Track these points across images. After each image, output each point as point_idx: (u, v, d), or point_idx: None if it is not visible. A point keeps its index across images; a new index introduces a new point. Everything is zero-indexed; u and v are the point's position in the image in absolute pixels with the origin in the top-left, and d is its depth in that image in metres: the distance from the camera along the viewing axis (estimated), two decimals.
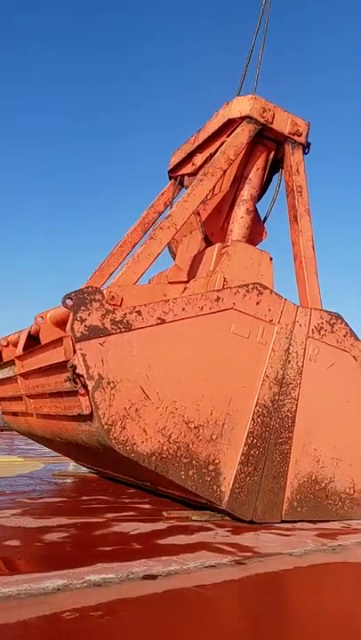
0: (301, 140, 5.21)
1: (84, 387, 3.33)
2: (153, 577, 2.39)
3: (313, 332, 4.20)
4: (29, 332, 4.84)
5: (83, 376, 3.30)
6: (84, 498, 4.52)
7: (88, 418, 3.44)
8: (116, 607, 2.00)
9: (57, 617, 1.87)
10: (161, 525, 3.53)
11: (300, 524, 3.99)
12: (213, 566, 2.64)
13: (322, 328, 4.26)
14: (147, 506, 4.29)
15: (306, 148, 5.27)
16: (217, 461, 3.70)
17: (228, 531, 3.52)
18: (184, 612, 2.07)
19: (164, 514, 3.91)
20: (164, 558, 2.69)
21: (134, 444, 3.40)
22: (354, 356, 4.39)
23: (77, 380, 3.34)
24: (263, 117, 4.94)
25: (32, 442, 6.97)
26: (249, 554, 2.94)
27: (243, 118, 4.91)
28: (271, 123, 5.00)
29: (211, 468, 3.67)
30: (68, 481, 5.60)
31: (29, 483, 5.24)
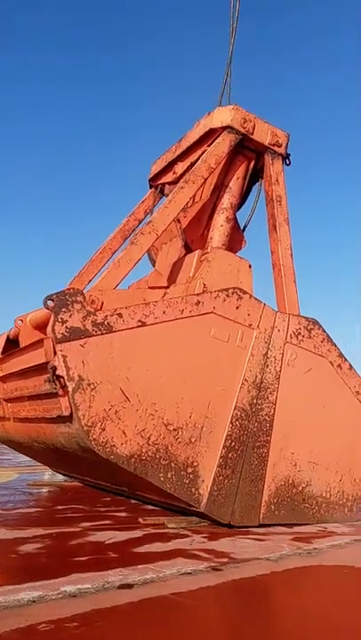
0: (281, 150, 5.31)
1: (64, 388, 3.33)
2: (129, 586, 2.39)
3: (291, 338, 4.26)
4: (8, 336, 4.83)
5: (63, 377, 3.30)
6: (60, 507, 4.48)
7: (68, 419, 3.44)
8: (91, 618, 2.00)
9: (32, 629, 1.86)
10: (137, 533, 3.52)
11: (275, 528, 4.01)
12: (190, 573, 2.64)
13: (300, 333, 4.32)
14: (123, 514, 4.28)
15: (285, 158, 5.37)
16: (196, 464, 3.72)
17: (205, 537, 3.53)
18: (160, 621, 2.07)
19: (141, 520, 3.90)
20: (140, 567, 2.68)
21: (114, 445, 3.41)
22: (330, 362, 4.46)
23: (57, 382, 3.35)
24: (244, 128, 5.03)
25: (6, 452, 6.90)
26: (225, 560, 2.95)
27: (224, 128, 5.00)
28: (252, 133, 5.09)
29: (189, 470, 3.69)
30: (44, 490, 5.55)
31: (3, 493, 5.18)
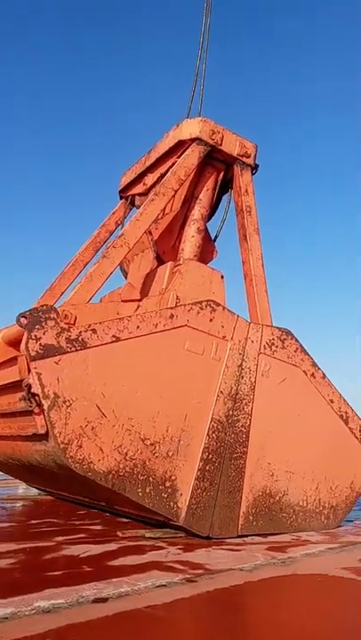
0: (250, 161, 5.36)
1: (40, 406, 3.30)
2: (103, 600, 2.36)
3: (265, 348, 4.30)
4: None
5: (38, 395, 3.27)
6: (34, 522, 4.42)
7: (43, 437, 3.40)
8: (65, 633, 1.97)
9: None
10: (112, 546, 3.48)
11: (250, 538, 4.03)
12: (165, 585, 2.63)
13: (273, 344, 4.36)
14: (98, 527, 4.24)
15: (254, 169, 5.43)
16: (173, 478, 3.72)
17: (180, 548, 3.52)
18: (135, 634, 2.05)
19: (119, 533, 3.88)
20: (114, 580, 2.66)
21: (91, 462, 3.39)
22: (304, 371, 4.51)
23: (32, 399, 3.31)
24: (213, 139, 5.07)
25: None
26: (200, 571, 2.94)
27: (193, 140, 5.03)
28: (220, 144, 5.14)
29: (167, 484, 3.69)
30: (18, 505, 5.48)
31: None
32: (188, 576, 2.82)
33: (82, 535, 3.84)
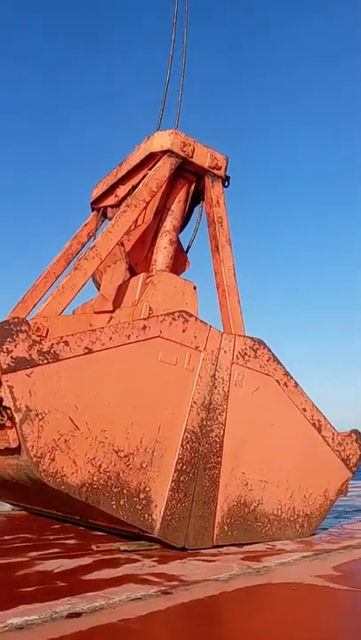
0: (221, 173, 5.41)
1: (11, 419, 3.26)
2: (77, 615, 2.34)
3: (237, 358, 4.32)
4: None
5: (10, 408, 3.23)
6: (6, 537, 4.35)
7: (16, 451, 3.36)
8: None
9: None
10: (86, 560, 3.45)
11: (226, 548, 4.02)
12: (140, 598, 2.62)
13: (246, 354, 4.39)
14: (72, 541, 4.19)
15: (225, 181, 5.48)
16: (148, 489, 3.70)
17: (155, 560, 3.51)
18: None
19: (93, 547, 3.85)
20: (89, 594, 2.64)
21: (64, 475, 3.36)
22: (277, 380, 4.54)
23: (4, 413, 3.28)
24: (184, 151, 5.11)
25: None
26: (175, 583, 2.94)
27: (164, 152, 5.06)
28: (191, 157, 5.18)
29: (142, 496, 3.67)
30: None
31: None
32: (163, 588, 2.81)
33: (56, 550, 3.80)
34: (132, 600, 2.58)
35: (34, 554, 3.63)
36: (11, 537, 4.36)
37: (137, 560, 3.50)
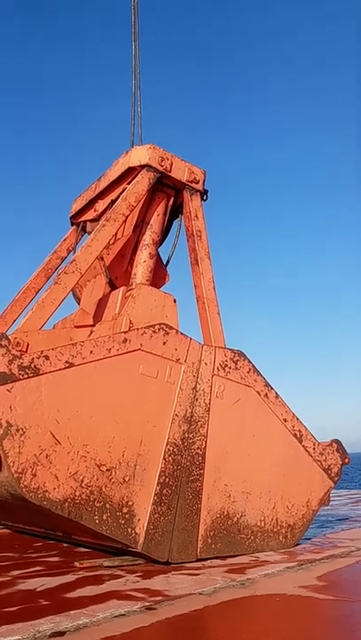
0: (199, 187, 5.46)
1: None
2: (61, 633, 2.32)
3: (218, 370, 4.34)
4: None
5: None
6: None
7: None
8: None
9: None
10: (70, 578, 3.42)
11: (209, 561, 4.02)
12: (123, 615, 2.61)
13: (226, 365, 4.41)
14: (55, 558, 4.15)
15: (203, 194, 5.53)
16: (131, 503, 3.69)
17: (139, 576, 3.49)
18: None
19: (77, 564, 3.81)
20: (72, 612, 2.62)
21: (46, 491, 3.33)
22: (257, 391, 4.57)
23: None
24: (162, 166, 5.15)
25: None
26: (159, 598, 2.93)
27: (142, 166, 5.10)
28: (170, 171, 5.22)
29: (125, 510, 3.66)
30: None
31: None
32: (147, 604, 2.80)
33: (38, 568, 3.76)
34: (116, 617, 2.57)
35: (16, 572, 3.59)
36: None
37: (121, 576, 3.48)
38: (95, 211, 5.86)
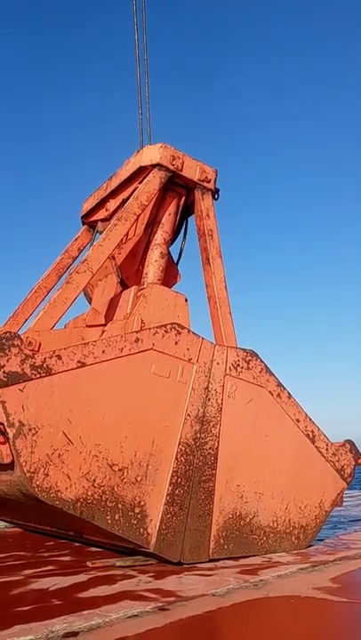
0: (210, 186, 5.45)
1: (4, 435, 3.23)
2: (74, 634, 2.31)
3: (230, 370, 4.32)
4: None
5: (3, 424, 3.21)
6: (0, 555, 4.30)
7: (9, 467, 3.33)
8: None
9: None
10: (82, 577, 3.42)
11: (222, 562, 4.00)
12: (137, 615, 2.59)
13: (238, 365, 4.39)
14: (67, 558, 4.15)
15: (215, 193, 5.52)
16: (143, 503, 3.68)
17: (151, 576, 3.48)
18: None
19: (89, 564, 3.81)
20: (85, 612, 2.61)
21: (58, 490, 3.33)
22: (270, 391, 4.54)
23: None
24: (173, 165, 5.14)
25: None
26: (172, 598, 2.92)
27: (153, 166, 5.09)
28: (181, 170, 5.21)
29: (137, 510, 3.64)
30: None
31: None
32: (160, 604, 2.79)
33: (50, 567, 3.76)
34: (129, 617, 2.56)
35: (28, 572, 3.59)
36: (4, 555, 4.31)
37: (133, 576, 3.47)
38: (106, 210, 5.86)
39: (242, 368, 4.40)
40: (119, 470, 3.60)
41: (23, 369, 3.29)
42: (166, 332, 3.99)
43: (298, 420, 4.69)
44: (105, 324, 4.98)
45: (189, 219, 5.79)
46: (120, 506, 3.58)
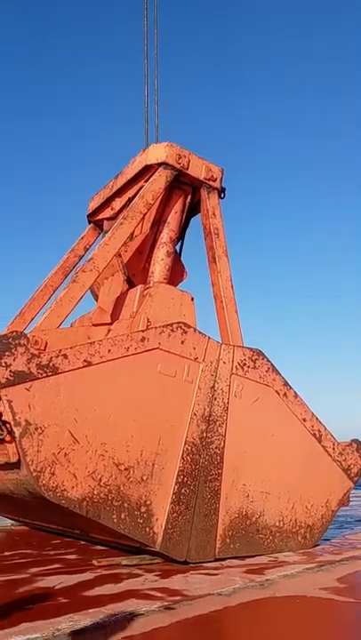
0: (216, 184, 5.43)
1: (11, 434, 3.24)
2: (80, 632, 2.31)
3: (237, 369, 4.30)
4: None
5: (9, 423, 3.21)
6: (7, 553, 4.32)
7: (16, 466, 3.33)
8: None
9: None
10: (88, 576, 3.43)
11: (228, 561, 4.00)
12: (142, 614, 2.59)
13: (245, 364, 4.37)
14: (73, 556, 4.16)
15: (221, 192, 5.49)
16: (149, 502, 3.67)
17: (157, 575, 3.48)
18: None
19: (95, 562, 3.81)
20: (91, 611, 2.61)
21: (64, 489, 3.33)
22: (276, 391, 4.53)
23: (3, 428, 3.25)
24: (179, 164, 5.12)
25: None
26: (178, 597, 2.91)
27: (159, 164, 5.08)
28: (187, 169, 5.19)
29: (143, 509, 3.64)
30: None
31: None
32: (166, 603, 2.78)
33: (57, 565, 3.77)
34: (135, 616, 2.56)
35: (35, 570, 3.60)
36: (10, 553, 4.33)
37: (139, 575, 3.47)
38: (112, 209, 5.85)
39: (248, 367, 4.39)
40: (125, 469, 3.60)
41: (29, 368, 3.29)
42: (172, 331, 3.98)
43: (304, 420, 4.68)
44: (111, 323, 4.97)
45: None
46: (126, 505, 3.57)
